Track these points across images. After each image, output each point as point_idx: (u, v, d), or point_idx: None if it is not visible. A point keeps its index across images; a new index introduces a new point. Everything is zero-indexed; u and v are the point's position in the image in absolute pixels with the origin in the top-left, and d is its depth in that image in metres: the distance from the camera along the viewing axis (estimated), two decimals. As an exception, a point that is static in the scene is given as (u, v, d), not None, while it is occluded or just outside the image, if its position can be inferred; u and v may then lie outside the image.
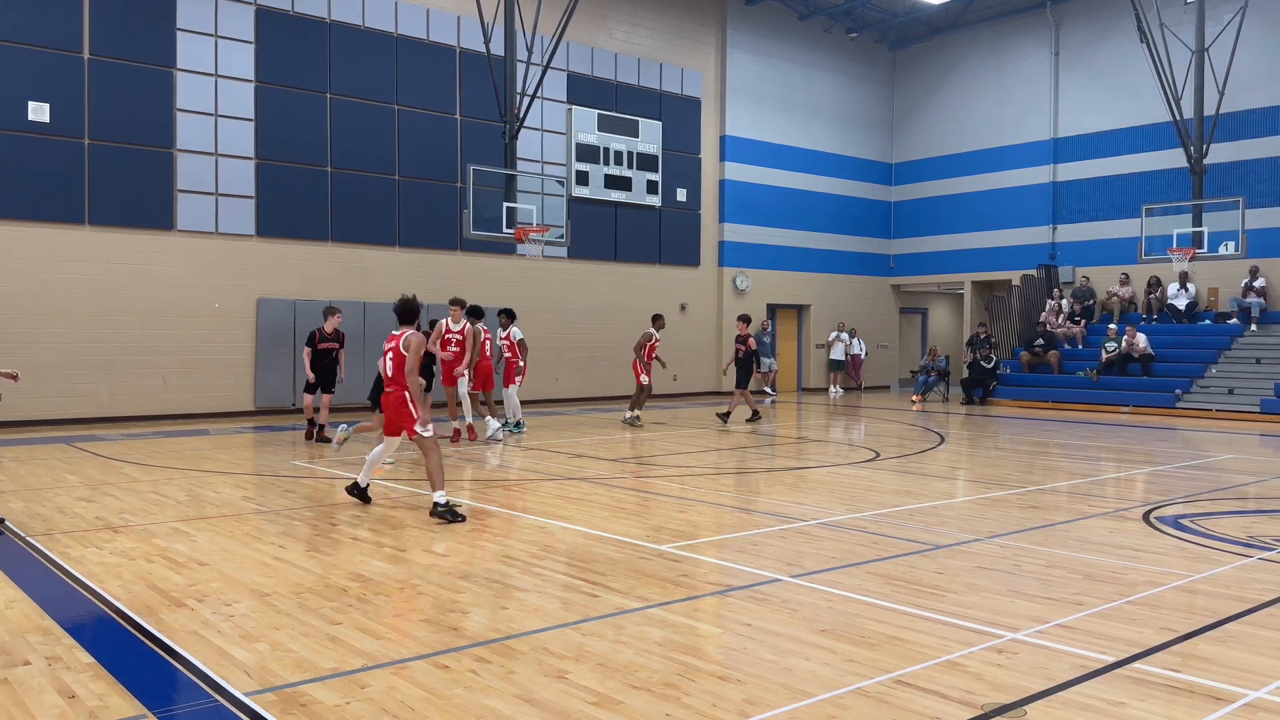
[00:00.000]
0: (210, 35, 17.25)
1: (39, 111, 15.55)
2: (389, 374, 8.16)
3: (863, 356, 26.58)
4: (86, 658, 4.47)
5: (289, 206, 18.06)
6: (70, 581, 5.91)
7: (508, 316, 14.69)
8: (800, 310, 27.01)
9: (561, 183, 19.51)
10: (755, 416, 16.72)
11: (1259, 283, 21.17)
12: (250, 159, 17.67)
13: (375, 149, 19.08)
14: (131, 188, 16.42)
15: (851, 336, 26.40)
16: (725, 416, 16.43)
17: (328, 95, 18.52)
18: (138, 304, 16.13)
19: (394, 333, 8.27)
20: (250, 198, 17.67)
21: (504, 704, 3.88)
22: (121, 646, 4.69)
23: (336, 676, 4.21)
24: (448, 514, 7.72)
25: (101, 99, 16.14)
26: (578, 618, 5.09)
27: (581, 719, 3.74)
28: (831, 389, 25.47)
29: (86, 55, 16.04)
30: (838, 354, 25.58)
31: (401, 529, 7.51)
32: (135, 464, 11.34)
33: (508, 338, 14.56)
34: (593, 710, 3.82)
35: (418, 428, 7.94)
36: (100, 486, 9.76)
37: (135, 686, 4.12)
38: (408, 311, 8.28)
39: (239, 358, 17.52)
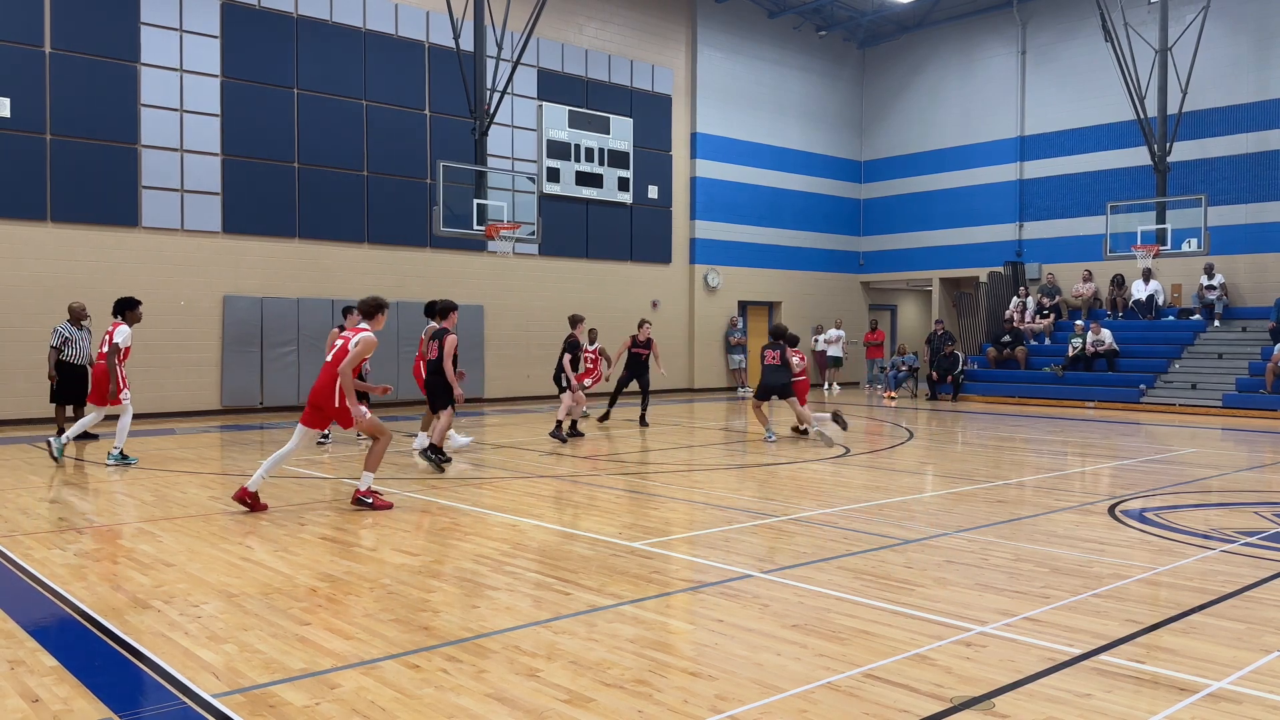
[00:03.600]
0: (175, 30, 17.03)
1: (-1, 106, 15.33)
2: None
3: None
4: (50, 661, 4.40)
5: (255, 203, 17.88)
6: (33, 583, 5.81)
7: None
8: (771, 307, 27.11)
9: (532, 179, 19.46)
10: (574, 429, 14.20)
11: (1216, 279, 21.51)
12: (216, 155, 17.48)
13: (343, 145, 18.93)
14: (94, 184, 16.18)
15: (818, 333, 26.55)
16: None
17: (295, 90, 18.35)
18: (101, 302, 15.80)
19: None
20: (216, 194, 17.47)
21: (475, 703, 3.87)
22: (86, 649, 4.62)
23: (306, 677, 4.17)
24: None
25: (63, 93, 15.89)
26: (549, 616, 5.08)
27: (554, 717, 3.74)
28: (828, 386, 25.53)
29: (48, 49, 15.78)
30: (836, 351, 25.65)
31: (371, 529, 7.46)
32: (100, 464, 11.18)
33: None
34: (565, 708, 3.81)
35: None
36: (64, 487, 9.62)
37: (100, 689, 4.06)
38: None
39: (205, 356, 17.33)
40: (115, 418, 11.14)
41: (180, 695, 3.98)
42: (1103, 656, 4.41)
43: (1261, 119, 21.57)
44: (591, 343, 16.21)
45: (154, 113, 16.83)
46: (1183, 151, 22.20)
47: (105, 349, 10.89)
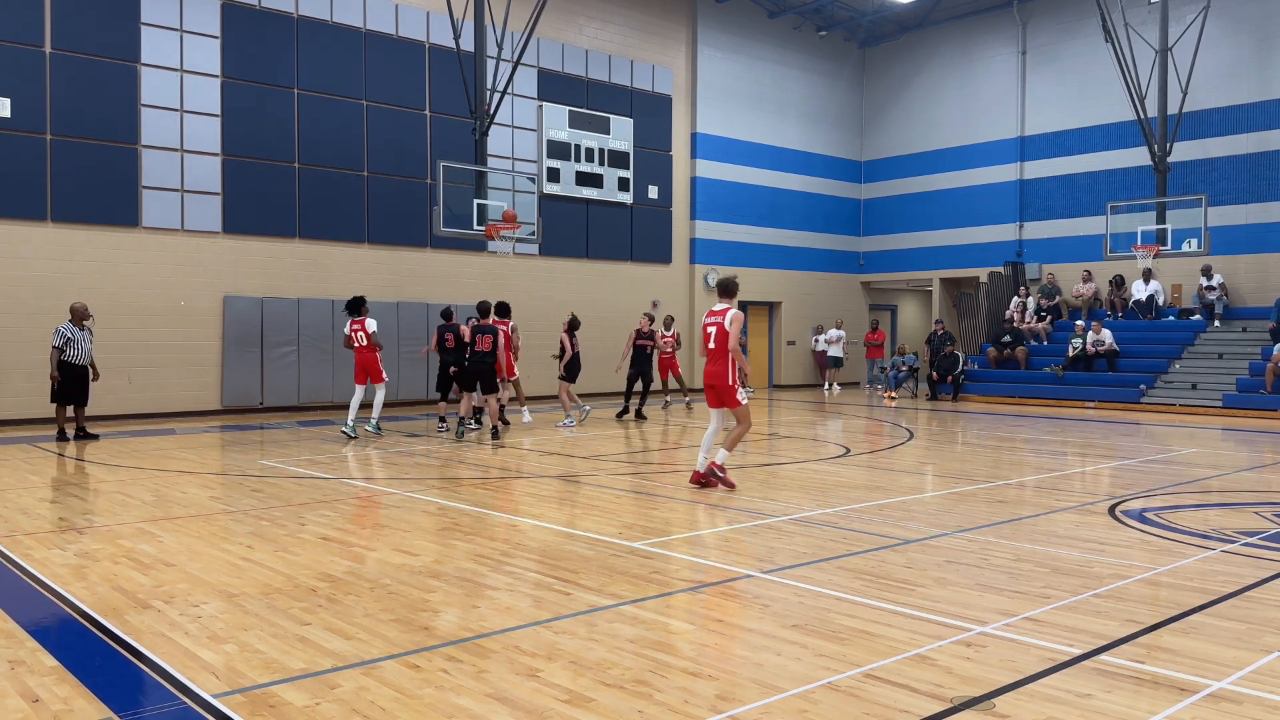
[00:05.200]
0: (175, 30, 17.03)
1: (-1, 106, 15.34)
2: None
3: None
4: (50, 661, 4.40)
5: (255, 203, 17.88)
6: (33, 583, 5.82)
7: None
8: (771, 307, 27.11)
9: (532, 179, 19.45)
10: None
11: (1216, 280, 21.51)
12: (216, 155, 17.47)
13: (343, 145, 18.92)
14: (95, 184, 16.18)
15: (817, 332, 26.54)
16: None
17: (295, 91, 18.35)
18: (102, 302, 15.86)
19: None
20: (216, 194, 17.47)
21: (475, 703, 3.87)
22: (86, 649, 4.62)
23: (306, 677, 4.17)
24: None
25: (64, 94, 15.89)
26: (549, 616, 5.08)
27: (554, 717, 3.74)
28: (828, 387, 25.50)
29: (48, 49, 15.78)
30: (836, 351, 25.64)
31: (372, 528, 7.46)
32: (100, 464, 11.18)
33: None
34: (565, 708, 3.81)
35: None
36: (64, 487, 9.62)
37: (101, 689, 4.06)
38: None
39: (205, 356, 17.33)
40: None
41: (180, 695, 3.98)
42: (1103, 656, 4.41)
43: (1261, 119, 21.57)
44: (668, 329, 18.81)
45: (154, 113, 16.82)
46: (1183, 151, 22.19)
47: (363, 343, 13.62)
